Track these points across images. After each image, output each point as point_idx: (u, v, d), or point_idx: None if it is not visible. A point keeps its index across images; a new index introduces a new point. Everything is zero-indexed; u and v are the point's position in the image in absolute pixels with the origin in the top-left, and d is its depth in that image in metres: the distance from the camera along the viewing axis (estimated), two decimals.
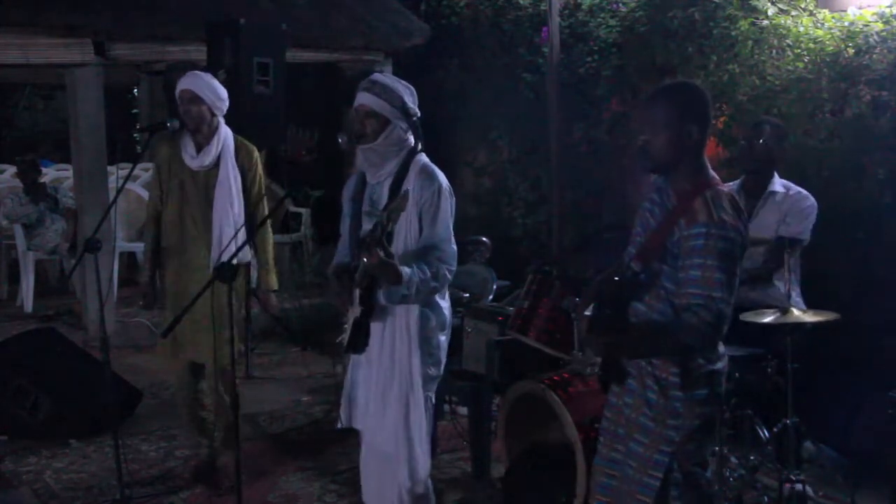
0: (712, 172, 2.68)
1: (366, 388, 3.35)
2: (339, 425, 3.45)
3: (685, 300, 2.53)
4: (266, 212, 4.31)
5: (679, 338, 2.53)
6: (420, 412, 3.28)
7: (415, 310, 3.25)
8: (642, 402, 2.67)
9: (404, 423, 3.27)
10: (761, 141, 4.12)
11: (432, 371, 3.32)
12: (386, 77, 3.32)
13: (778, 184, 4.16)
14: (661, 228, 2.62)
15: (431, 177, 3.24)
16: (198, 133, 4.15)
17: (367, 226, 3.26)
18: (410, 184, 3.20)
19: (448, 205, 3.25)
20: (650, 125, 2.64)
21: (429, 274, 3.15)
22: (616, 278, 2.66)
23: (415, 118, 3.26)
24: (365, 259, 3.04)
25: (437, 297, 3.34)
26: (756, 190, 4.17)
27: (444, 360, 3.39)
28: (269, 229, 4.50)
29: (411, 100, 3.26)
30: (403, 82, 3.29)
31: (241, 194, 4.20)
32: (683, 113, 2.62)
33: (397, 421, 3.26)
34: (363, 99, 3.21)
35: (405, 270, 3.08)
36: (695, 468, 2.74)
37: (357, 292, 3.21)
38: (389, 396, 3.28)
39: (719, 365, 2.69)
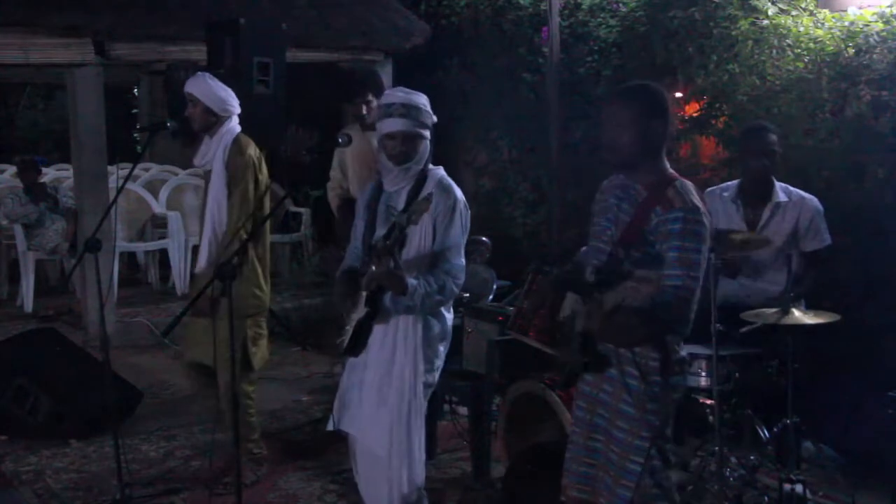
0: (671, 168, 2.77)
1: (360, 390, 3.36)
2: (329, 426, 3.46)
3: (660, 280, 2.60)
4: (267, 211, 4.29)
5: (657, 315, 2.58)
6: (420, 418, 3.30)
7: (419, 316, 3.27)
8: (622, 388, 2.72)
9: (401, 428, 3.27)
10: (772, 150, 4.10)
11: (428, 378, 3.33)
12: (407, 95, 3.28)
13: (780, 192, 4.15)
14: (637, 218, 2.70)
15: (448, 190, 3.30)
16: (206, 133, 4.17)
17: (380, 231, 3.29)
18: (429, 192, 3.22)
19: (461, 220, 3.30)
20: (616, 124, 2.74)
21: (435, 287, 3.18)
22: (600, 268, 2.72)
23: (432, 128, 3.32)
24: (374, 267, 3.08)
25: (443, 309, 3.36)
26: (757, 195, 4.15)
27: (439, 370, 3.41)
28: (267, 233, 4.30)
29: (431, 110, 3.31)
30: (418, 93, 3.30)
31: (225, 194, 4.10)
32: (647, 112, 2.72)
33: (391, 424, 3.27)
34: (400, 125, 3.21)
35: (411, 282, 3.11)
36: (668, 448, 2.78)
37: (363, 295, 3.24)
38: (384, 399, 3.29)
39: (684, 353, 2.79)
